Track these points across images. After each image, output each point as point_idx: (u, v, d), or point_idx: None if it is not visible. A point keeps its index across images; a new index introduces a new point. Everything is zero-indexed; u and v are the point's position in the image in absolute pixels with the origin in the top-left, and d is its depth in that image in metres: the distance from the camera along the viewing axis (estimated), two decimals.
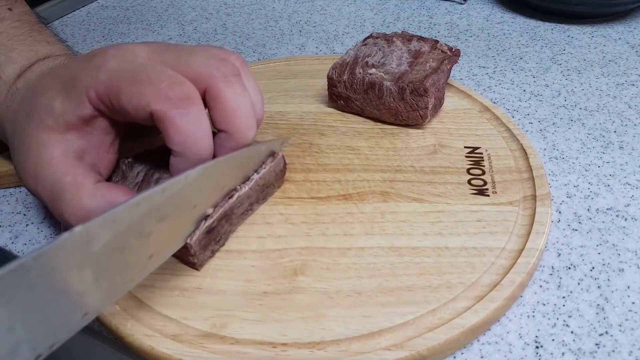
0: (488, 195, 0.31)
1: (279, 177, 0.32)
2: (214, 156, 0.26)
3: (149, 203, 0.22)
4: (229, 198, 0.28)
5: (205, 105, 0.26)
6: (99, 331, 0.28)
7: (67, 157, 0.25)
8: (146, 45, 0.27)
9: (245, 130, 0.26)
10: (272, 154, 0.31)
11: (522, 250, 0.28)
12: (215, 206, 0.27)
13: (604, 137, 0.38)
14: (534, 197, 0.31)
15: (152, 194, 0.22)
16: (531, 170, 0.33)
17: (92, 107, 0.25)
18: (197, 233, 0.26)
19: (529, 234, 0.29)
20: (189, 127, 0.24)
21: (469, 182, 0.33)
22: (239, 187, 0.28)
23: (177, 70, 0.25)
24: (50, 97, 0.26)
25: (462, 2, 0.59)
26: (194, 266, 0.27)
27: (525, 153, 0.34)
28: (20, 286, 0.17)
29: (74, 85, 0.25)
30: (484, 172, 0.33)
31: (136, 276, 0.22)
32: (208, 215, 0.26)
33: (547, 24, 0.54)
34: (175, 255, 0.27)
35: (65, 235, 0.18)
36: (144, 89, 0.24)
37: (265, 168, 0.30)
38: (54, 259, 0.18)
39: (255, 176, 0.29)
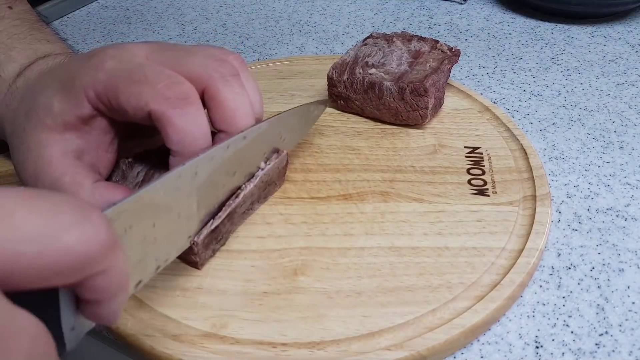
0: (488, 195, 0.31)
1: (281, 175, 0.32)
2: None
3: (235, 146, 0.26)
4: (236, 197, 0.28)
5: (204, 105, 0.26)
6: (99, 331, 0.28)
7: (66, 157, 0.25)
8: (145, 45, 0.27)
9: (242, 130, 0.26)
10: (277, 151, 0.31)
11: (522, 250, 0.28)
12: (222, 205, 0.27)
13: (604, 137, 0.38)
14: (534, 197, 0.31)
15: (236, 139, 0.26)
16: (531, 170, 0.33)
17: (91, 106, 0.25)
18: (204, 232, 0.26)
19: (529, 234, 0.29)
20: (187, 126, 0.24)
21: (469, 182, 0.33)
22: (244, 185, 0.28)
23: (175, 70, 0.25)
24: (49, 97, 0.26)
25: (462, 2, 0.59)
26: (196, 265, 0.27)
27: (525, 153, 0.34)
28: (151, 205, 0.21)
29: (73, 85, 0.25)
30: (484, 172, 0.33)
31: (218, 210, 0.27)
32: (216, 215, 0.27)
33: (547, 24, 0.54)
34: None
35: (179, 167, 0.23)
36: (142, 89, 0.24)
37: (269, 164, 0.30)
38: (173, 185, 0.23)
39: (260, 172, 0.29)
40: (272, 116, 0.30)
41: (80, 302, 0.17)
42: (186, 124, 0.24)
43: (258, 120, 0.28)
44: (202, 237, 0.26)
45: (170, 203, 0.23)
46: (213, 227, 0.26)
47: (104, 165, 0.27)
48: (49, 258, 0.14)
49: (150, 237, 0.22)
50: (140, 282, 0.22)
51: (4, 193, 0.14)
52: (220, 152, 0.25)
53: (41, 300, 0.15)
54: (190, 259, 0.27)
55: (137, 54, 0.26)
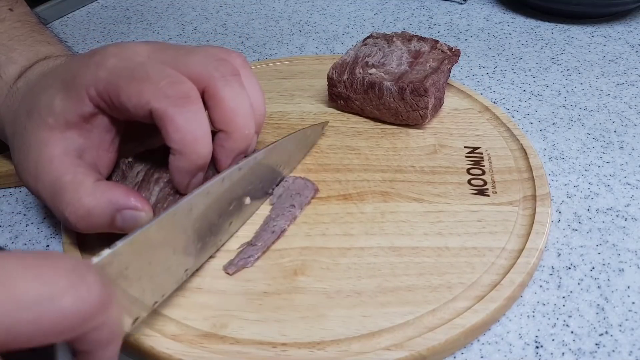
0: (488, 195, 0.31)
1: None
2: (213, 156, 0.26)
3: (230, 179, 0.27)
4: (277, 237, 0.29)
5: (205, 105, 0.26)
6: None
7: (68, 156, 0.25)
8: (146, 44, 0.27)
9: (244, 130, 0.26)
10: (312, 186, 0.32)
11: (522, 250, 0.28)
12: (259, 238, 0.29)
13: (604, 137, 0.38)
14: (534, 197, 0.31)
15: (231, 172, 0.26)
16: (531, 170, 0.33)
17: (92, 104, 0.25)
18: (236, 262, 0.28)
19: (529, 234, 0.29)
20: (187, 125, 0.24)
21: (469, 182, 0.33)
22: (286, 226, 0.30)
23: (176, 69, 0.25)
24: (51, 96, 0.26)
25: (462, 2, 0.59)
26: None
27: (525, 153, 0.34)
28: (146, 244, 0.22)
29: (74, 83, 0.25)
30: (484, 172, 0.33)
31: (220, 241, 0.28)
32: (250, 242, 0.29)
33: (547, 24, 0.54)
34: None
35: (175, 205, 0.23)
36: (143, 87, 0.24)
37: (307, 200, 0.31)
38: (168, 223, 0.23)
39: (298, 212, 0.30)
40: (269, 144, 0.30)
41: (75, 352, 0.18)
42: (187, 122, 0.24)
43: (259, 120, 0.28)
44: (231, 266, 0.27)
45: (166, 240, 0.23)
46: (251, 261, 0.28)
47: (104, 164, 0.27)
48: (47, 322, 0.16)
49: (147, 274, 0.22)
50: (137, 318, 0.22)
51: (5, 259, 0.16)
52: (216, 186, 0.26)
53: (39, 354, 0.16)
54: None
55: (139, 53, 0.26)
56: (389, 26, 0.55)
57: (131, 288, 0.21)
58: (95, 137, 0.26)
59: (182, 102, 0.24)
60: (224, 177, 0.26)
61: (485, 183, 0.32)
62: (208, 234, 0.26)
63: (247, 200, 0.29)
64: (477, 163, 0.34)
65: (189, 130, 0.24)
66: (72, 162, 0.25)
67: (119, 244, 0.20)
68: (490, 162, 0.34)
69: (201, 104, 0.25)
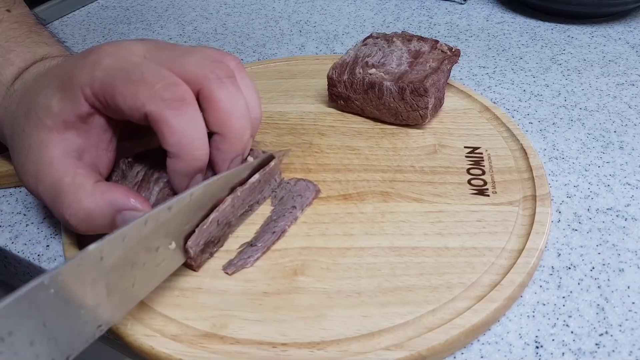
0: (488, 195, 0.31)
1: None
2: (210, 158, 0.26)
3: (156, 220, 0.23)
4: (277, 238, 0.28)
5: (200, 107, 0.26)
6: None
7: (67, 157, 0.25)
8: (142, 42, 0.26)
9: (239, 132, 0.26)
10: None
11: (522, 250, 0.28)
12: (259, 238, 0.28)
13: (604, 137, 0.38)
14: (534, 197, 0.31)
15: (159, 212, 0.23)
16: (531, 170, 0.33)
17: (88, 104, 0.25)
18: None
19: (529, 234, 0.28)
20: (183, 128, 0.24)
21: (469, 182, 0.32)
22: (287, 227, 0.29)
23: (171, 70, 0.25)
24: (47, 97, 0.26)
25: (462, 2, 0.59)
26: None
27: (525, 153, 0.34)
28: (39, 303, 0.18)
29: (70, 83, 0.25)
30: (484, 172, 0.33)
31: (145, 288, 0.24)
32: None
33: (547, 24, 0.54)
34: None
35: (80, 254, 0.20)
36: (139, 89, 0.24)
37: (308, 201, 0.30)
38: (69, 276, 0.19)
39: (299, 212, 0.30)
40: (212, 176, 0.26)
41: None
42: (183, 125, 0.24)
43: (256, 122, 0.28)
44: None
45: (67, 296, 0.20)
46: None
47: (104, 164, 0.27)
48: None
49: (42, 338, 0.19)
50: None
51: None
52: (135, 230, 0.22)
53: None
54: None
55: (135, 52, 0.26)
56: (389, 26, 0.55)
57: (20, 354, 0.18)
58: (94, 137, 0.26)
59: (177, 105, 0.24)
60: (147, 219, 0.22)
61: (485, 183, 0.32)
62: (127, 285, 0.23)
63: (173, 245, 0.25)
64: (477, 163, 0.34)
65: (185, 134, 0.24)
66: (72, 164, 0.25)
67: (1, 304, 0.17)
68: (490, 162, 0.34)
69: (197, 106, 0.25)
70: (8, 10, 0.33)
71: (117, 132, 0.27)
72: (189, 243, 0.25)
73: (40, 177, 0.25)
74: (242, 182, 0.28)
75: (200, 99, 0.25)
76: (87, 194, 0.25)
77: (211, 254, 0.28)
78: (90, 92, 0.25)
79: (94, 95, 0.25)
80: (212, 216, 0.26)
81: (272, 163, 0.30)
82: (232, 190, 0.28)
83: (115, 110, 0.25)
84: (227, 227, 0.28)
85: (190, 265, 0.27)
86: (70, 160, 0.25)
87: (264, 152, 0.30)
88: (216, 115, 0.25)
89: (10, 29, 0.32)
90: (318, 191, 0.32)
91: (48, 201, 0.26)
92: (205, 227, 0.26)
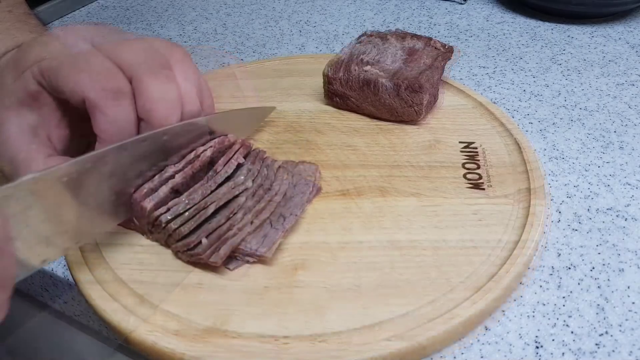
0: (483, 189, 0.31)
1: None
2: None
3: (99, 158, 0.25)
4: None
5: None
6: (99, 331, 0.28)
7: (23, 134, 0.27)
8: (92, 29, 0.28)
9: (164, 121, 0.27)
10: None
11: (518, 241, 0.28)
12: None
13: (604, 137, 0.38)
14: (528, 189, 0.31)
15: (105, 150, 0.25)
16: (525, 163, 0.33)
17: (37, 82, 0.26)
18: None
19: (524, 225, 0.29)
20: (115, 117, 0.25)
21: (464, 176, 0.32)
22: (288, 227, 0.28)
23: (110, 57, 0.26)
24: (5, 76, 0.27)
25: (462, 2, 0.59)
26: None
27: (519, 147, 0.34)
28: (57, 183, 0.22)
29: (22, 63, 0.27)
30: (478, 167, 0.33)
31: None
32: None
33: (547, 24, 0.54)
34: (199, 264, 0.27)
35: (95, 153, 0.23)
36: (81, 77, 0.25)
37: (309, 199, 0.30)
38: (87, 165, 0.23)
39: (299, 212, 0.29)
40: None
41: None
42: (116, 115, 0.25)
43: (193, 114, 0.29)
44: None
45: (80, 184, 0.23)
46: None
47: (58, 139, 0.28)
48: None
49: (55, 217, 0.21)
50: (45, 260, 0.22)
51: None
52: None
53: None
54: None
55: (84, 37, 0.27)
56: (388, 26, 0.55)
57: (38, 228, 0.21)
58: (46, 114, 0.27)
59: (114, 96, 0.25)
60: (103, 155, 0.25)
61: (481, 177, 0.32)
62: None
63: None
64: (472, 157, 0.34)
65: (116, 123, 0.26)
66: (26, 140, 0.27)
67: (24, 178, 0.20)
68: (485, 157, 0.34)
69: (132, 99, 0.26)
70: None
71: (68, 110, 0.28)
72: (135, 194, 0.27)
73: (2, 154, 0.27)
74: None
75: (132, 87, 0.26)
76: (40, 167, 0.26)
77: (218, 248, 0.27)
78: (37, 70, 0.26)
79: (40, 74, 0.26)
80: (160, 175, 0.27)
81: (233, 142, 0.30)
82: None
83: (56, 90, 0.26)
84: (204, 209, 0.28)
85: (200, 258, 0.27)
86: (25, 137, 0.27)
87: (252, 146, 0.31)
88: (142, 103, 0.26)
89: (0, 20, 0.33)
90: (319, 189, 0.32)
91: (9, 176, 0.27)
92: (155, 183, 0.27)
